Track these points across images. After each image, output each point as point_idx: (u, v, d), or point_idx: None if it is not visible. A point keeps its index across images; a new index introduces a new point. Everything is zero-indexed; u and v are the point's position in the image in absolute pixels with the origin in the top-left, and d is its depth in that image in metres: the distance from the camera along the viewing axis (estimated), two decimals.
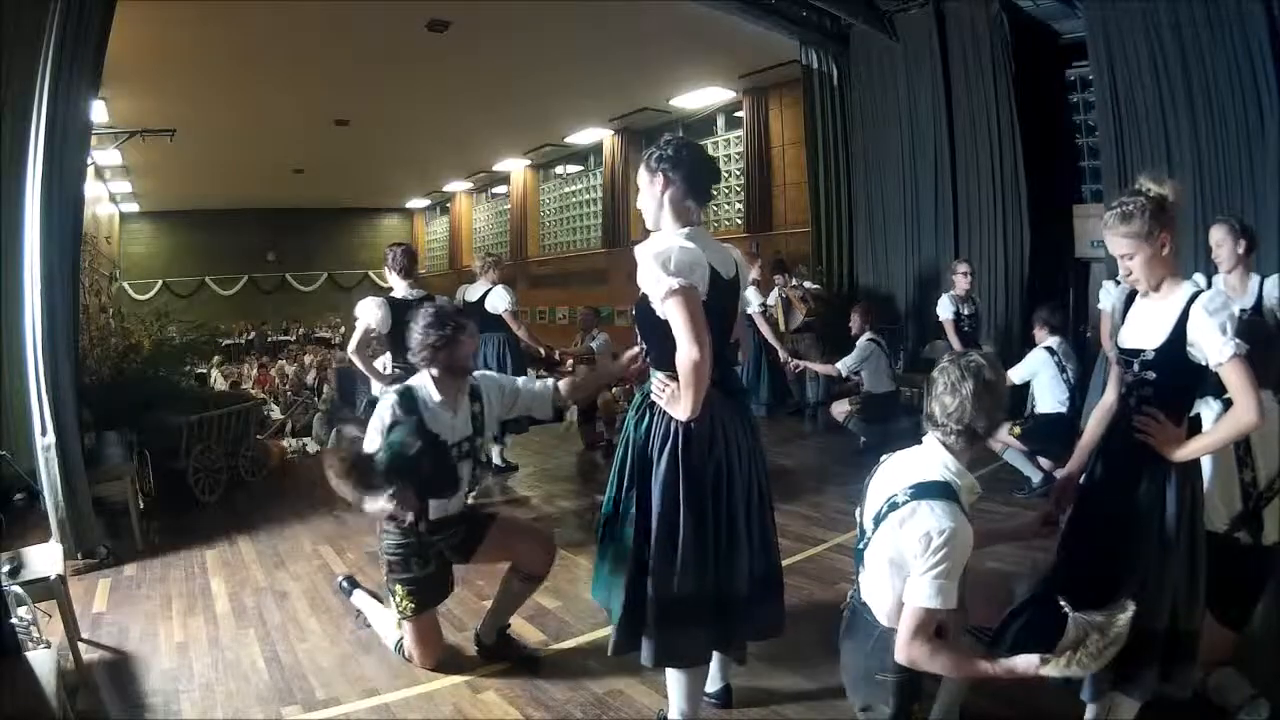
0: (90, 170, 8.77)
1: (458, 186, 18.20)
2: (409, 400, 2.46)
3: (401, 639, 2.65)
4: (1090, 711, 1.92)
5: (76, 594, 2.97)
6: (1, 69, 3.68)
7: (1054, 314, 4.46)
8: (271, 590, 3.41)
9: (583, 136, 12.94)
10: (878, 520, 1.72)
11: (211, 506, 4.73)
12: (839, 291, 7.52)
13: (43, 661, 2.07)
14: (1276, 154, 4.46)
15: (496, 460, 5.30)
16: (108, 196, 14.73)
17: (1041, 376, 4.32)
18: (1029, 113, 6.10)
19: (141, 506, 4.16)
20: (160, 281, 17.56)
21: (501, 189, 17.39)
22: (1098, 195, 5.85)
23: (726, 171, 11.23)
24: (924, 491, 1.63)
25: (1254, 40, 4.49)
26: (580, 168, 14.66)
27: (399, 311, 3.63)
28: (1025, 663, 1.57)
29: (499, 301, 5.03)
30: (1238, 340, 1.68)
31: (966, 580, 1.71)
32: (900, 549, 1.64)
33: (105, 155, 10.82)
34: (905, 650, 1.61)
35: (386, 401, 2.47)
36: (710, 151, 11.33)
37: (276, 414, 8.27)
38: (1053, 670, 1.54)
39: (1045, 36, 6.35)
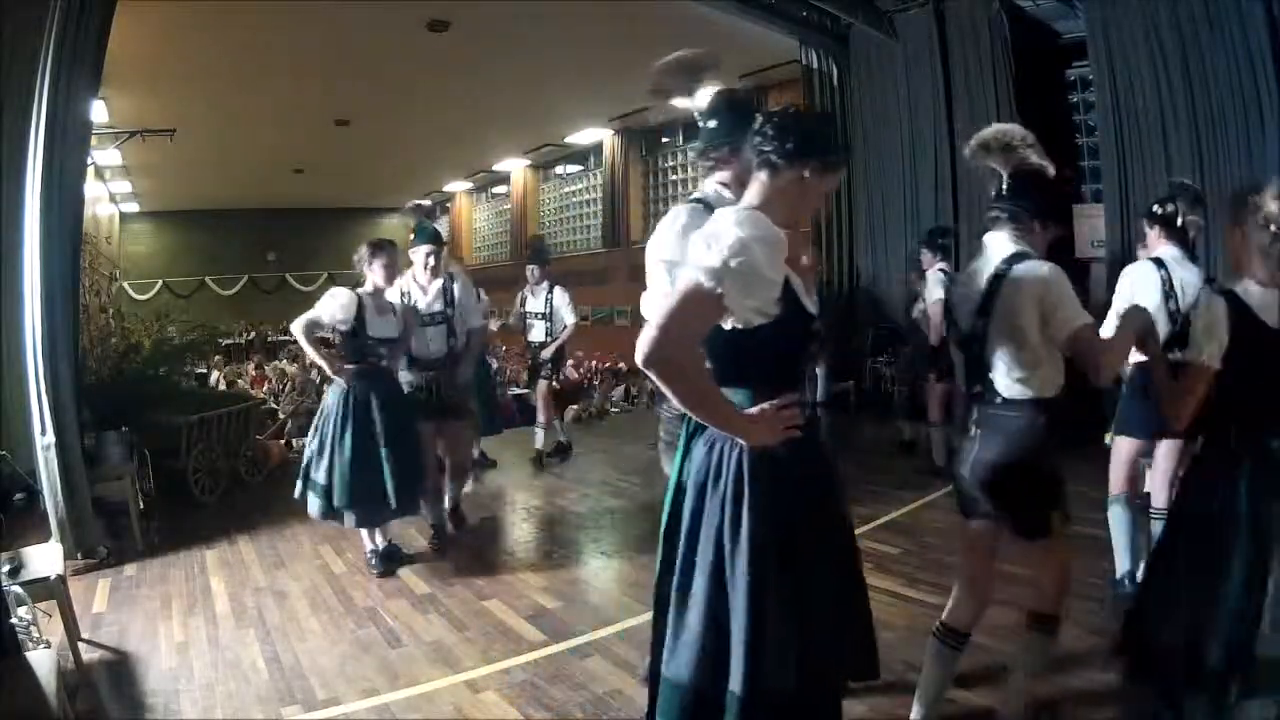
0: (90, 170, 8.76)
1: (458, 186, 18.20)
2: None
3: None
4: None
5: (76, 594, 2.97)
6: (1, 69, 3.68)
7: (939, 235, 4.74)
8: (271, 590, 3.41)
9: (583, 136, 12.95)
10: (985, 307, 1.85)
11: (211, 506, 4.73)
12: (839, 291, 7.52)
13: (43, 661, 2.07)
14: (1277, 154, 4.46)
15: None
16: (108, 196, 14.72)
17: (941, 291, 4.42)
18: (1029, 113, 6.09)
19: (141, 506, 4.16)
20: (160, 281, 17.53)
21: (501, 189, 17.40)
22: (1098, 195, 5.85)
23: None
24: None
25: (1254, 40, 4.50)
26: (580, 168, 14.66)
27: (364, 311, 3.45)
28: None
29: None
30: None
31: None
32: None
33: (105, 155, 10.82)
34: None
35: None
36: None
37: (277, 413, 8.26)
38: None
39: (1045, 36, 6.35)
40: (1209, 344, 1.68)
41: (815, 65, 7.54)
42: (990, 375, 1.87)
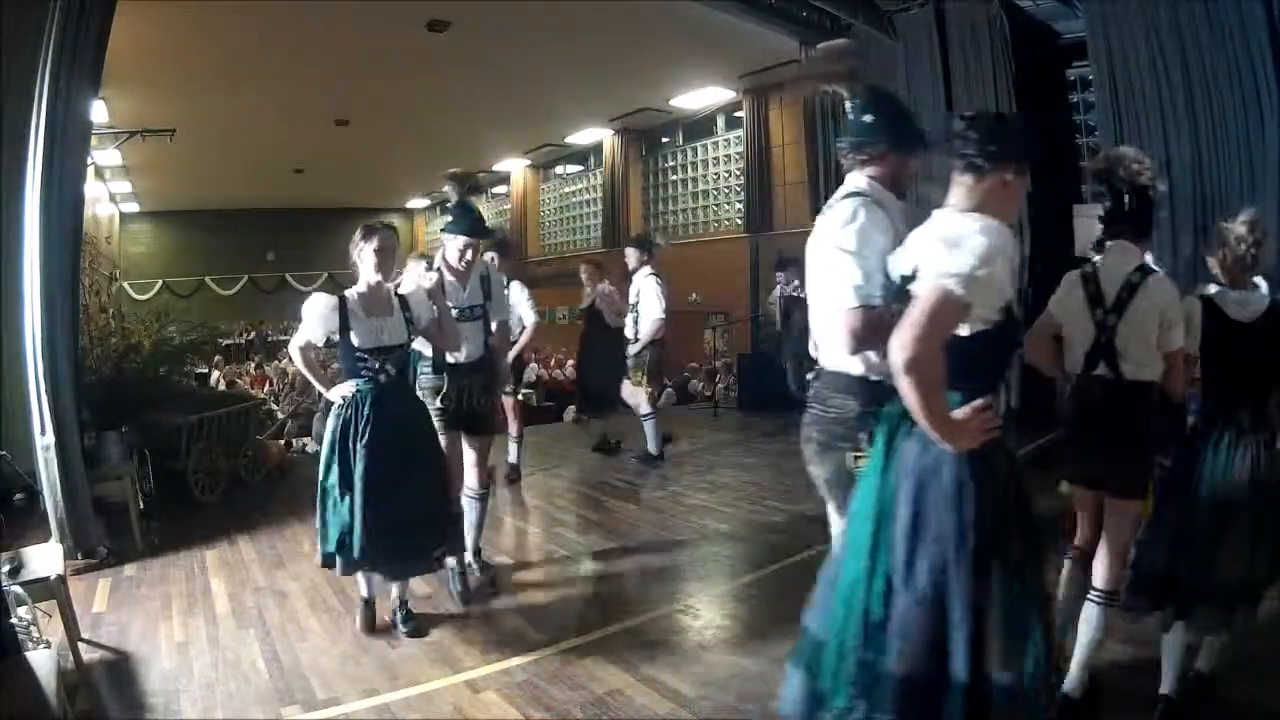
0: (90, 170, 8.76)
1: None
2: None
3: None
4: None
5: (76, 594, 2.97)
6: (1, 69, 3.68)
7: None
8: (271, 590, 3.41)
9: (583, 136, 12.94)
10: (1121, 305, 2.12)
11: (211, 506, 4.73)
12: None
13: (43, 661, 2.07)
14: (1276, 154, 4.46)
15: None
16: (108, 196, 14.73)
17: None
18: (1029, 113, 6.09)
19: (141, 506, 4.16)
20: (160, 281, 17.53)
21: (501, 189, 17.39)
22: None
23: (726, 171, 11.24)
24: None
25: (1254, 40, 4.49)
26: (580, 168, 14.66)
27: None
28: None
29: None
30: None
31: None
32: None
33: (105, 155, 10.81)
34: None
35: None
36: (711, 151, 11.43)
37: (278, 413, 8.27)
38: None
39: (1045, 36, 6.35)
40: (1190, 336, 2.15)
41: None
42: (1118, 361, 2.16)
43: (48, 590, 2.57)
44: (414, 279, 3.07)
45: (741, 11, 6.62)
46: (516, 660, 2.70)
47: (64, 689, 2.11)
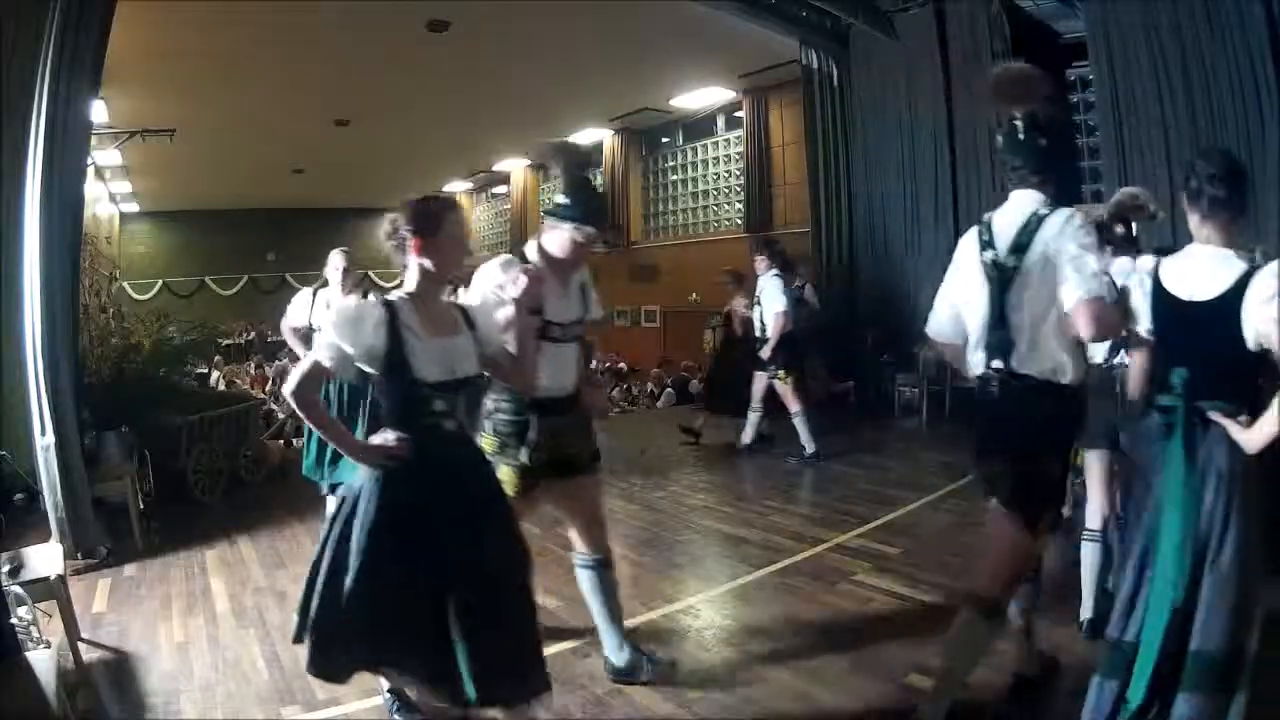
0: (90, 170, 8.76)
1: (458, 186, 18.19)
2: None
3: None
4: None
5: (76, 594, 2.97)
6: (1, 69, 3.68)
7: (777, 244, 5.45)
8: (271, 590, 3.41)
9: (583, 136, 12.91)
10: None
11: (211, 506, 4.73)
12: (840, 290, 7.51)
13: (43, 661, 2.07)
14: (1277, 154, 4.47)
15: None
16: (108, 196, 14.73)
17: (785, 300, 5.08)
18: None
19: (141, 506, 4.16)
20: (160, 281, 17.53)
21: (501, 189, 17.40)
22: (1098, 195, 5.86)
23: (726, 171, 11.25)
24: None
25: (1254, 40, 4.50)
26: None
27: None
28: None
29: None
30: None
31: None
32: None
33: (105, 155, 10.82)
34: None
35: None
36: (711, 151, 11.43)
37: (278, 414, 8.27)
38: None
39: (1045, 36, 6.35)
40: None
41: (815, 65, 7.55)
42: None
43: (48, 590, 2.57)
44: (491, 280, 2.15)
45: (741, 11, 6.63)
46: None
47: (64, 689, 2.11)
